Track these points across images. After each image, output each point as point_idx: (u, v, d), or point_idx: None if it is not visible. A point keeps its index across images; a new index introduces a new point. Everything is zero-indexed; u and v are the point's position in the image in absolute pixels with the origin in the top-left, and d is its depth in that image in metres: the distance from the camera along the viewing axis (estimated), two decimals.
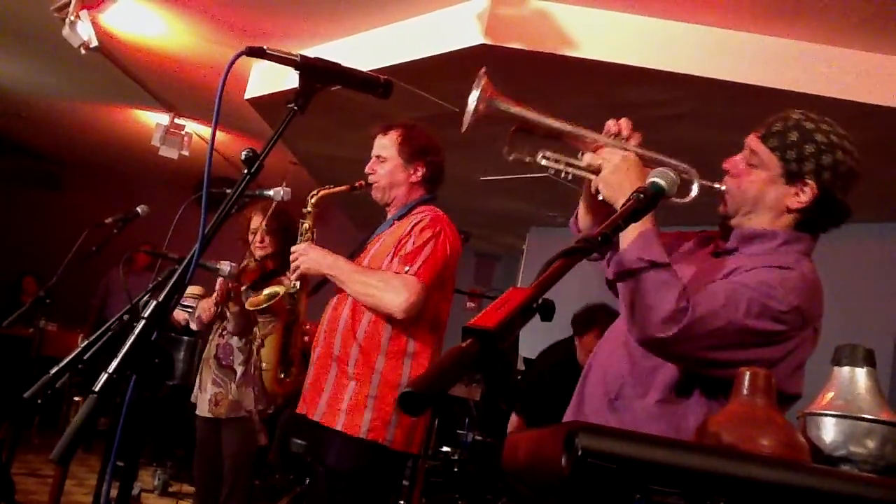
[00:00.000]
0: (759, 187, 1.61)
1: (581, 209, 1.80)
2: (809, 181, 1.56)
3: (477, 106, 1.58)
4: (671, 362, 1.53)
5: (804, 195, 1.57)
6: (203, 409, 3.32)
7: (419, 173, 2.58)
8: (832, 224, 1.64)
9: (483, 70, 1.61)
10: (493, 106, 1.60)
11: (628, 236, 1.49)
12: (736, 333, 1.44)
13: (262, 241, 3.40)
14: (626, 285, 1.49)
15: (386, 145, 2.59)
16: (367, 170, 2.61)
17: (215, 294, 3.18)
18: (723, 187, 1.63)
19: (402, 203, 2.59)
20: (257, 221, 3.42)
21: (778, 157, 1.59)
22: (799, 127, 1.60)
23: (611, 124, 1.64)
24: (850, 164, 1.57)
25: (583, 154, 1.62)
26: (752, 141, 1.64)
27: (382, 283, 2.37)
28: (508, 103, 1.62)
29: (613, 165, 1.56)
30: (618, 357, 1.66)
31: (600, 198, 1.57)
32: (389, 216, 2.62)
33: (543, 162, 1.62)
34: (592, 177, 1.59)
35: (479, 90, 1.58)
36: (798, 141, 1.58)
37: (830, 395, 1.27)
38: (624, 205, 1.42)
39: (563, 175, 1.61)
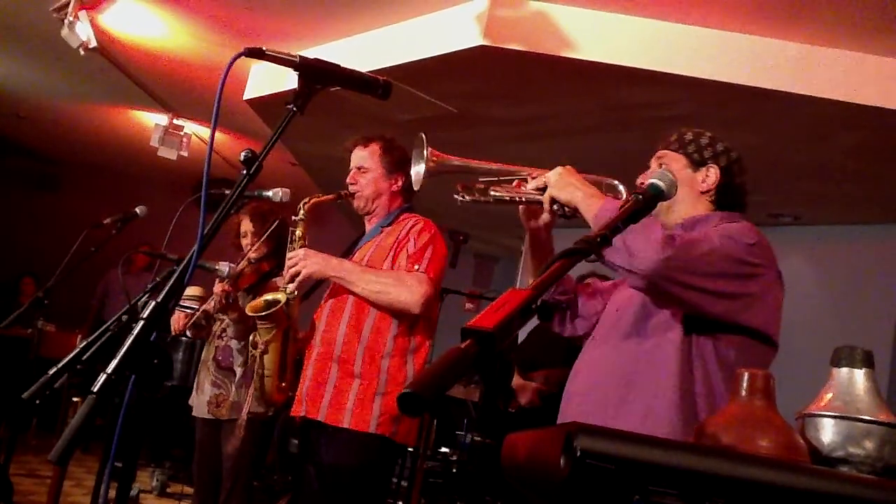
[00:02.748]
0: None
1: (525, 257, 2.03)
2: (712, 165, 1.84)
3: (427, 168, 1.87)
4: (670, 296, 1.63)
5: (710, 178, 1.84)
6: (202, 411, 3.32)
7: (399, 183, 2.70)
8: (739, 205, 1.86)
9: (422, 135, 1.89)
10: (441, 164, 1.89)
11: (591, 209, 1.67)
12: (721, 260, 1.61)
13: (253, 246, 3.39)
14: (615, 239, 1.56)
15: (366, 157, 2.71)
16: (348, 181, 2.70)
17: (214, 303, 3.17)
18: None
19: (385, 211, 2.71)
20: (246, 224, 3.42)
21: (682, 153, 1.88)
22: (692, 131, 1.90)
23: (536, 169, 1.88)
24: (738, 154, 1.87)
25: (526, 185, 1.85)
26: (657, 153, 1.92)
27: (396, 281, 2.47)
28: (451, 159, 1.90)
29: (556, 175, 1.77)
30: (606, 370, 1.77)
31: (555, 208, 1.78)
32: (373, 225, 2.72)
33: (495, 194, 1.87)
34: (540, 197, 1.80)
35: (426, 155, 1.87)
36: (693, 138, 1.89)
37: (829, 396, 1.28)
38: (623, 206, 1.45)
39: (516, 200, 1.86)
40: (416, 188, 1.95)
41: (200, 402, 3.33)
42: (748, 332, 1.66)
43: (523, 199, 1.84)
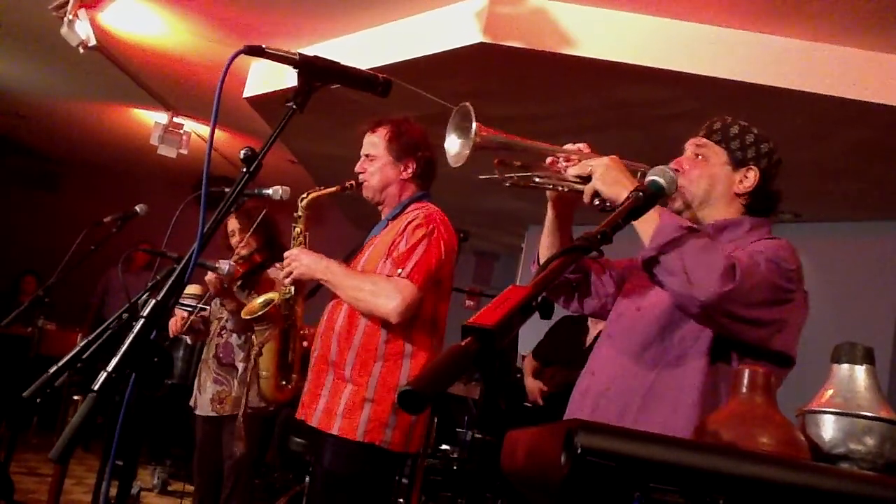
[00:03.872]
0: (709, 178, 1.76)
1: (545, 233, 1.91)
2: (753, 167, 1.75)
3: (474, 143, 1.67)
4: (718, 325, 1.57)
5: (748, 180, 1.75)
6: (205, 409, 3.31)
7: (410, 170, 2.53)
8: (769, 211, 1.80)
9: (468, 104, 1.70)
10: (487, 140, 1.70)
11: (649, 219, 1.52)
12: (768, 289, 1.54)
13: (241, 242, 3.42)
14: (671, 256, 1.52)
15: (375, 143, 2.54)
16: (356, 169, 2.56)
17: (211, 290, 3.18)
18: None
19: (395, 202, 2.55)
20: (233, 223, 3.45)
21: (724, 147, 1.77)
22: (738, 124, 1.80)
23: (571, 146, 1.76)
24: (779, 156, 1.79)
25: (566, 169, 1.72)
26: (697, 139, 1.81)
27: (375, 288, 2.33)
28: (498, 135, 1.73)
29: (604, 166, 1.63)
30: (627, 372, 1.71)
31: (596, 202, 1.65)
32: (383, 216, 2.58)
33: (537, 180, 1.74)
34: (581, 186, 1.67)
35: (474, 129, 1.67)
36: (739, 133, 1.77)
37: (829, 392, 1.27)
38: (622, 204, 1.44)
39: (557, 188, 1.74)
40: (454, 164, 1.72)
41: (204, 401, 3.33)
42: (772, 356, 1.61)
43: (564, 188, 1.72)
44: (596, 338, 4.14)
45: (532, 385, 4.25)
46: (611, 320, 1.88)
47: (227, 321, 3.35)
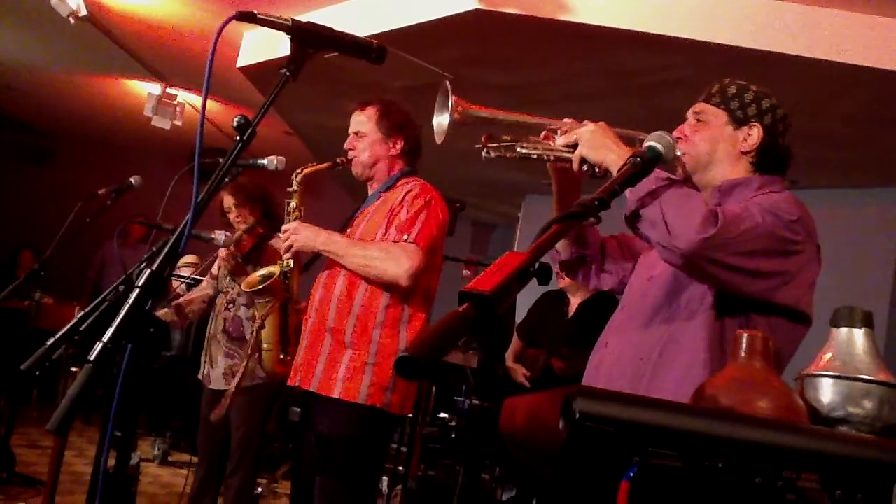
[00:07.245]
0: (710, 140, 1.74)
1: (553, 204, 1.89)
2: (755, 123, 1.72)
3: (452, 119, 1.71)
4: (708, 276, 1.56)
5: (752, 137, 1.72)
6: (218, 383, 3.33)
7: (398, 146, 2.63)
8: (780, 167, 1.76)
9: (447, 82, 1.74)
10: (466, 115, 1.72)
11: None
12: (761, 237, 1.52)
13: (238, 217, 3.41)
14: (651, 208, 1.51)
15: (364, 121, 2.63)
16: (346, 146, 2.65)
17: (226, 267, 3.18)
18: (678, 152, 1.67)
19: (385, 177, 2.64)
20: (228, 200, 3.45)
21: (723, 108, 1.75)
22: (736, 84, 1.78)
23: (568, 119, 1.76)
24: (784, 111, 1.75)
25: (555, 139, 1.73)
26: (696, 105, 1.80)
27: (383, 254, 2.42)
28: (478, 109, 1.74)
29: (589, 132, 1.64)
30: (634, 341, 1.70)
31: (585, 168, 1.65)
32: (373, 190, 2.67)
33: (522, 151, 1.73)
34: (570, 155, 1.67)
35: (451, 104, 1.71)
36: (738, 92, 1.76)
37: (828, 356, 1.28)
38: (620, 170, 1.44)
39: (544, 158, 1.73)
40: (438, 141, 1.78)
41: (217, 375, 3.35)
42: (781, 311, 1.58)
43: (551, 157, 1.72)
44: (578, 308, 4.15)
45: (515, 368, 4.28)
46: (625, 292, 1.88)
47: (237, 295, 3.35)
